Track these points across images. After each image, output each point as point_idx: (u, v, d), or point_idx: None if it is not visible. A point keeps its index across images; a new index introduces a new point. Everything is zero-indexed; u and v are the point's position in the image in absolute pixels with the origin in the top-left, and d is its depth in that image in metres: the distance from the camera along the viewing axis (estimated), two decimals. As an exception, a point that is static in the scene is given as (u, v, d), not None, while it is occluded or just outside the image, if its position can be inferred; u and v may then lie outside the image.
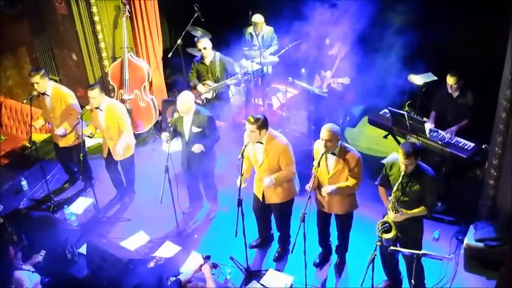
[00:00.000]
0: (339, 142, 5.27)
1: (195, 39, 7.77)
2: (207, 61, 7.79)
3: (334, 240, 6.05)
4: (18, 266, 5.39)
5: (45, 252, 5.92)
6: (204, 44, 7.64)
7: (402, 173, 4.86)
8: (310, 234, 5.30)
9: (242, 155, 5.49)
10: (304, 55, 8.24)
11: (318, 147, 5.42)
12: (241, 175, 5.51)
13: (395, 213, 4.99)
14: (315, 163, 5.28)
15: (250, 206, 6.07)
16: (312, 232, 5.69)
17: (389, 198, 5.02)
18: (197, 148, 6.20)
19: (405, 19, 7.14)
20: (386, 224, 4.97)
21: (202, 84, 7.85)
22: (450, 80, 6.54)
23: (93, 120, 6.83)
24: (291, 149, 5.61)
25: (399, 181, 4.89)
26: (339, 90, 7.98)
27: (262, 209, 6.06)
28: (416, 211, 5.01)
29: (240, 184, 5.48)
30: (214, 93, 7.91)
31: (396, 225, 5.00)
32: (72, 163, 7.60)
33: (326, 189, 5.34)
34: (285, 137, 5.70)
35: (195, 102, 7.58)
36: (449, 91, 6.61)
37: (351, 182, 5.34)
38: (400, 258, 5.44)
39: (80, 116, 6.59)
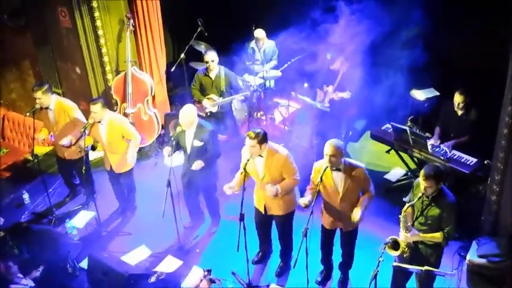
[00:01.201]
0: (343, 158, 5.25)
1: (203, 51, 7.79)
2: (212, 75, 7.82)
3: (337, 258, 6.01)
4: (15, 280, 5.37)
5: (42, 267, 5.90)
6: (212, 56, 7.70)
7: (420, 194, 4.79)
8: (313, 249, 5.27)
9: (245, 169, 5.50)
10: (306, 69, 8.26)
11: (318, 167, 5.39)
12: (244, 189, 5.49)
13: (406, 232, 4.92)
14: (317, 180, 5.21)
15: (251, 220, 6.05)
16: (313, 247, 5.67)
17: (399, 216, 4.94)
18: (197, 165, 6.19)
19: (408, 34, 7.16)
20: (390, 240, 4.93)
21: (207, 98, 7.86)
22: (458, 99, 6.54)
23: (94, 133, 6.82)
24: (292, 159, 5.62)
25: (414, 201, 4.83)
26: (341, 105, 7.98)
27: (264, 222, 6.05)
28: (429, 236, 4.91)
29: (243, 199, 5.45)
30: (218, 107, 7.93)
31: (409, 244, 4.95)
32: (73, 177, 7.61)
33: (356, 214, 5.25)
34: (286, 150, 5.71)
35: (199, 115, 7.64)
36: (456, 109, 6.62)
37: (369, 195, 5.36)
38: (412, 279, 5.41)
39: (82, 130, 6.58)
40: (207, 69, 7.82)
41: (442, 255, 5.12)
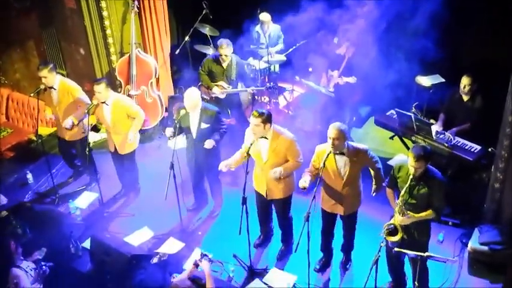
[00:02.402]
0: (347, 142, 5.24)
1: (218, 42, 7.65)
2: (225, 64, 7.75)
3: (338, 241, 6.02)
4: (18, 261, 5.40)
5: (45, 249, 5.93)
6: (229, 51, 7.58)
7: (411, 177, 4.82)
8: (313, 234, 5.28)
9: (248, 153, 5.50)
10: (311, 54, 8.21)
11: (320, 150, 5.40)
12: (247, 173, 5.49)
13: (402, 216, 4.95)
14: (320, 165, 5.23)
15: (254, 203, 6.07)
16: (315, 232, 5.68)
17: (397, 201, 4.98)
18: (209, 144, 6.18)
19: (414, 21, 7.09)
20: (392, 226, 4.95)
21: (217, 85, 7.81)
22: (465, 80, 6.50)
23: (98, 114, 6.82)
24: (296, 142, 5.61)
25: (407, 184, 4.85)
26: (345, 90, 7.95)
27: (265, 205, 6.07)
28: (423, 214, 4.95)
29: (245, 182, 5.45)
30: (226, 94, 7.91)
31: (402, 227, 4.97)
32: (75, 158, 7.61)
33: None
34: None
35: (203, 98, 7.60)
36: (462, 92, 6.58)
37: (375, 172, 5.44)
38: (406, 260, 5.42)
39: (86, 111, 6.58)
40: (219, 57, 7.74)
41: (430, 232, 5.19)
